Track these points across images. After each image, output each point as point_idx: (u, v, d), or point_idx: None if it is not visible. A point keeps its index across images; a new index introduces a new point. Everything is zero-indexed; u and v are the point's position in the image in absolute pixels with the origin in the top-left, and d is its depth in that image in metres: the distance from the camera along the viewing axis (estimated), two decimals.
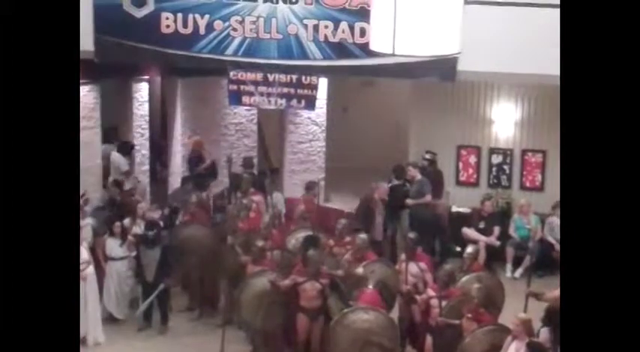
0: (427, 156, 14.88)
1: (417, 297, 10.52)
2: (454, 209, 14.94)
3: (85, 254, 11.77)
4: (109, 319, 12.40)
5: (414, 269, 10.85)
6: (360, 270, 10.47)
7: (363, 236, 11.58)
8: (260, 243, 11.60)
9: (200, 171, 15.61)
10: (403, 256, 11.34)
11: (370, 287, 10.37)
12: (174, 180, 16.43)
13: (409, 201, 13.96)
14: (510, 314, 9.67)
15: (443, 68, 11.52)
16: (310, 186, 14.35)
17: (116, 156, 14.89)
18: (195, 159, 15.91)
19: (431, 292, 10.53)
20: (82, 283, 11.68)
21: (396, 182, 14.46)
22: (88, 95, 15.45)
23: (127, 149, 15.45)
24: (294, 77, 14.25)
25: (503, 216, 14.75)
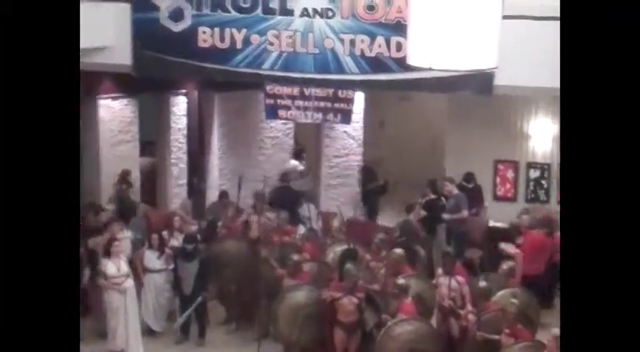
0: (464, 178, 14.84)
1: (460, 311, 10.52)
2: (491, 224, 14.87)
3: (124, 266, 11.86)
4: (147, 331, 12.46)
5: (452, 283, 10.82)
6: (401, 281, 10.43)
7: (399, 250, 11.56)
8: (295, 257, 11.61)
9: (369, 188, 15.85)
10: (440, 270, 11.30)
11: (410, 298, 10.35)
12: (212, 194, 16.49)
13: (446, 216, 13.92)
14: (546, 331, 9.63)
15: (480, 82, 11.48)
16: None
17: None
18: (365, 174, 16.08)
19: (469, 307, 10.51)
20: (121, 296, 11.77)
21: (431, 196, 14.42)
22: (125, 109, 15.63)
23: None
24: (331, 91, 14.31)
25: None
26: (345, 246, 12.24)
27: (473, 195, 14.50)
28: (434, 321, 11.06)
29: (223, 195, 15.09)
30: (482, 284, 10.69)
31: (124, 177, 15.50)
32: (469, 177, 14.77)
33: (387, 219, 15.97)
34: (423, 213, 14.17)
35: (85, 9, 12.17)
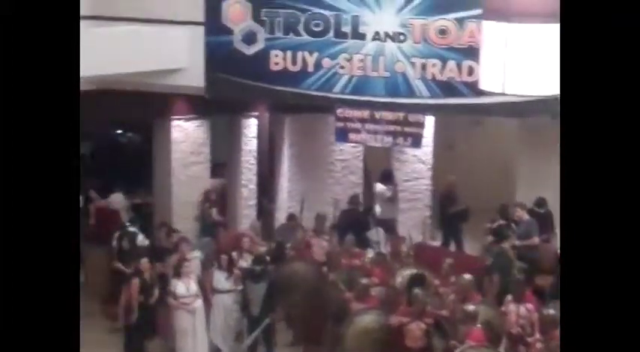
0: (536, 203, 14.66)
1: (529, 339, 10.38)
2: None
3: (193, 287, 11.95)
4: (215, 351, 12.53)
5: (521, 310, 10.69)
6: (470, 307, 10.33)
7: (468, 276, 11.45)
8: (364, 280, 11.58)
9: (451, 213, 15.65)
10: (510, 297, 11.17)
11: (478, 325, 10.24)
12: (281, 216, 16.56)
13: (516, 242, 13.75)
14: None
15: (553, 107, 11.33)
16: None
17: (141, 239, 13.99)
18: (445, 199, 15.99)
19: (538, 334, 10.37)
20: (190, 316, 11.86)
21: (500, 222, 14.27)
22: (197, 130, 15.80)
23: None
24: (401, 115, 14.29)
25: None
26: (413, 271, 12.18)
27: (544, 220, 14.31)
28: (502, 349, 10.93)
29: (291, 217, 15.14)
30: (551, 311, 10.53)
31: (208, 196, 15.71)
32: (541, 202, 14.59)
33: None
34: (491, 238, 14.03)
35: (159, 31, 12.46)
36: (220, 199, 16.96)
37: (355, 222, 14.99)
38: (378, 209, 16.22)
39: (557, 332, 10.18)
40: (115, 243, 13.83)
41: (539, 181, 14.97)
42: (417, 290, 10.69)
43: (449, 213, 15.61)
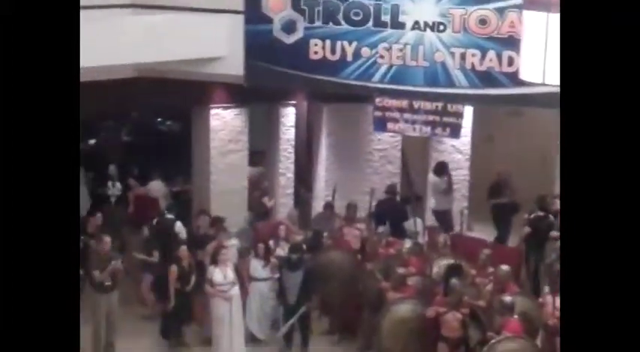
0: None
1: None
2: None
3: (230, 274, 12.02)
4: (250, 339, 12.59)
5: (558, 302, 10.63)
6: (508, 298, 10.30)
7: (505, 267, 11.41)
8: (400, 270, 11.57)
9: (498, 202, 15.56)
10: (547, 289, 11.12)
11: (515, 316, 10.21)
12: (318, 204, 16.58)
13: (555, 234, 13.66)
14: None
15: None
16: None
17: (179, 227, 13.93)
18: (496, 187, 15.90)
19: None
20: (226, 303, 11.93)
21: (539, 213, 14.19)
22: (236, 119, 15.85)
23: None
24: (440, 105, 14.21)
25: None
26: (450, 261, 12.16)
27: None
28: (539, 340, 10.89)
29: (328, 205, 15.15)
30: None
31: (257, 185, 15.79)
32: None
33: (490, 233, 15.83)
34: (528, 229, 13.97)
35: (199, 20, 12.52)
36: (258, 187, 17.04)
37: (392, 211, 14.96)
38: (432, 201, 16.14)
39: None
40: (146, 230, 13.89)
41: None
42: (454, 281, 10.68)
43: (493, 204, 15.49)
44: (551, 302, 10.69)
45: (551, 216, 13.99)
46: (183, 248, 12.45)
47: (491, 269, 11.80)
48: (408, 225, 14.18)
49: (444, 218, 15.93)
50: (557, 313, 10.58)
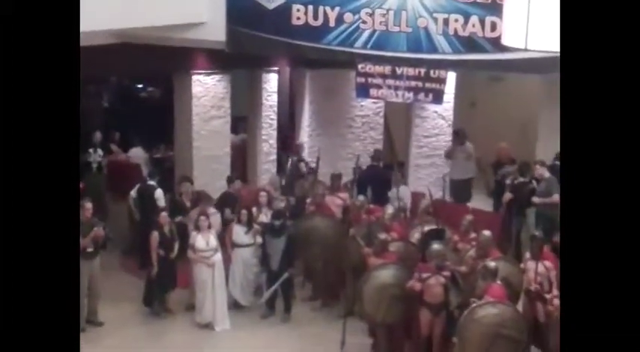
0: (557, 157, 14.58)
1: (547, 296, 10.41)
2: None
3: (212, 241, 12.04)
4: (233, 305, 12.62)
5: (540, 268, 10.69)
6: (491, 264, 10.34)
7: (487, 232, 11.45)
8: (382, 236, 11.59)
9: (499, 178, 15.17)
10: (528, 254, 11.18)
11: (498, 282, 10.26)
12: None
13: (536, 200, 13.72)
14: None
15: None
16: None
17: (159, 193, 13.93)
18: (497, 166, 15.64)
19: (555, 291, 10.39)
20: (209, 269, 11.96)
21: (521, 179, 14.23)
22: (218, 85, 15.79)
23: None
24: (423, 71, 14.18)
25: None
26: (432, 227, 12.20)
27: None
28: (520, 306, 10.96)
29: (311, 171, 15.15)
30: None
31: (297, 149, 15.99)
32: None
33: (474, 201, 15.86)
34: (510, 195, 14.01)
35: None
36: (241, 154, 17.02)
37: (377, 178, 14.96)
38: (451, 170, 16.07)
39: None
40: (132, 196, 13.93)
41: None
42: (435, 246, 10.70)
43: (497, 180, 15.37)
44: (533, 268, 10.75)
45: (533, 182, 14.03)
46: (164, 214, 12.45)
47: (473, 235, 11.84)
48: (392, 192, 14.20)
49: (464, 186, 15.86)
50: (539, 278, 10.66)
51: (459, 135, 16.11)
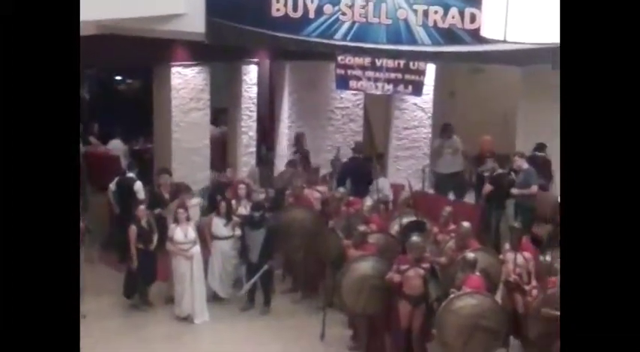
0: (536, 147, 14.65)
1: (525, 287, 10.46)
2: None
3: (191, 233, 12.01)
4: (213, 298, 12.61)
5: (519, 259, 10.73)
6: (470, 255, 10.37)
7: (466, 224, 11.49)
8: (361, 228, 11.60)
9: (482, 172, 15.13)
10: (507, 245, 11.22)
11: (477, 273, 10.29)
12: (280, 163, 16.57)
13: (515, 191, 13.78)
14: None
15: (554, 55, 11.31)
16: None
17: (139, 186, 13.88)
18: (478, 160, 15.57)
19: (534, 282, 10.45)
20: (187, 262, 11.94)
21: (500, 171, 14.29)
22: (197, 77, 15.74)
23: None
24: (402, 62, 14.23)
25: None
26: (412, 218, 12.22)
27: (542, 167, 14.32)
28: (499, 296, 11.00)
29: (291, 163, 15.14)
30: (547, 258, 10.59)
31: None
32: (541, 146, 14.60)
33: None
34: (489, 187, 14.06)
35: None
36: (220, 146, 16.98)
37: (359, 170, 14.95)
38: (439, 164, 16.06)
39: (553, 280, 10.25)
40: (111, 189, 13.88)
41: (539, 130, 14.95)
42: (414, 237, 10.72)
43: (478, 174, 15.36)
44: (512, 259, 10.79)
45: (512, 173, 14.09)
46: (141, 207, 12.41)
47: (452, 226, 11.87)
48: (375, 184, 14.21)
49: (455, 180, 15.82)
50: (518, 269, 10.69)
51: (446, 130, 16.11)
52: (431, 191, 15.78)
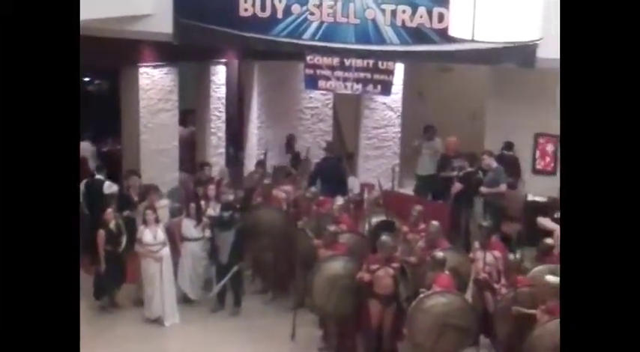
0: (505, 146, 14.71)
1: (495, 286, 10.50)
2: (530, 198, 14.75)
3: (160, 235, 11.95)
4: (183, 299, 12.56)
5: (488, 257, 10.77)
6: (439, 254, 10.39)
7: (436, 223, 11.51)
8: (332, 227, 11.59)
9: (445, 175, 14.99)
10: (477, 244, 11.25)
11: (447, 271, 10.32)
12: (250, 163, 16.53)
13: (484, 190, 13.83)
14: None
15: (522, 55, 11.35)
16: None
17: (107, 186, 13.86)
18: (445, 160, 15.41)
19: (504, 280, 10.50)
20: (157, 263, 11.88)
21: (469, 169, 14.33)
22: (165, 77, 15.66)
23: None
24: (371, 62, 14.21)
25: None
26: (382, 218, 12.22)
27: (510, 165, 14.39)
28: (469, 295, 11.04)
29: (260, 164, 15.11)
30: (512, 257, 10.64)
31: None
32: (509, 145, 14.67)
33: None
34: (459, 186, 14.11)
35: None
36: (189, 147, 16.91)
37: (332, 169, 14.93)
38: (421, 166, 16.00)
39: (519, 279, 10.30)
40: (81, 190, 13.77)
41: (507, 128, 15.03)
42: (384, 237, 10.73)
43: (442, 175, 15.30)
44: (482, 258, 10.83)
45: (480, 172, 14.14)
46: (109, 210, 12.34)
47: (422, 226, 11.89)
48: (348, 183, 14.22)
49: (430, 182, 15.73)
50: (488, 268, 10.73)
51: (428, 131, 16.11)
52: (402, 190, 15.80)
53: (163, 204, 13.11)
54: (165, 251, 12.01)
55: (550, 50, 10.58)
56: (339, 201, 12.63)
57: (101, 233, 12.02)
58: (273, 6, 12.29)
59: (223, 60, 16.63)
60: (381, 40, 12.16)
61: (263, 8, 12.31)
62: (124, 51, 14.73)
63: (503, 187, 13.83)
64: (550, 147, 15.27)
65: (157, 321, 12.09)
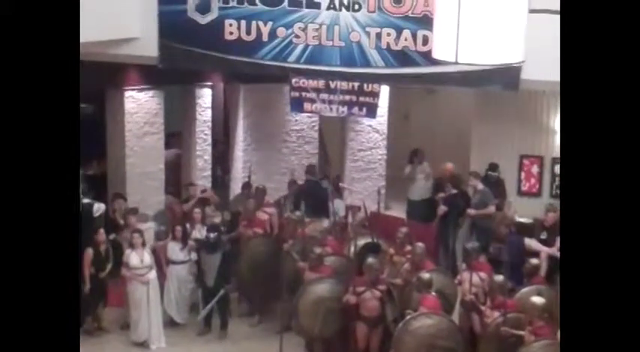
0: (489, 167, 14.73)
1: (482, 307, 10.50)
2: (516, 219, 14.77)
3: (147, 258, 11.93)
4: (169, 323, 12.51)
5: (474, 278, 10.78)
6: (425, 275, 10.40)
7: (421, 245, 11.53)
8: (317, 250, 11.60)
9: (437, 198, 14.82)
10: (464, 266, 11.27)
11: (433, 293, 10.32)
12: (236, 186, 16.52)
13: (471, 212, 13.85)
14: None
15: (506, 77, 11.42)
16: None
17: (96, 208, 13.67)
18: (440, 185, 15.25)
19: (489, 302, 10.50)
20: (143, 287, 11.84)
21: (452, 191, 14.35)
22: (151, 101, 15.65)
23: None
24: (356, 85, 14.22)
25: None
26: (368, 240, 12.23)
27: (496, 187, 14.41)
28: (456, 317, 11.04)
29: (246, 186, 15.10)
30: (498, 278, 10.65)
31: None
32: (494, 166, 14.70)
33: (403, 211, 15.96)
34: (444, 208, 14.12)
35: (112, 0, 12.28)
36: (175, 170, 16.88)
37: (314, 192, 14.93)
38: (412, 191, 15.97)
39: (505, 300, 10.31)
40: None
41: (493, 150, 15.07)
42: (370, 259, 10.73)
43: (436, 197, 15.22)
44: (468, 279, 10.84)
45: (466, 194, 14.17)
46: (101, 231, 12.31)
47: (408, 248, 11.89)
48: (332, 206, 14.20)
49: (425, 206, 15.67)
50: (474, 289, 10.74)
51: (417, 155, 16.11)
52: (388, 212, 15.81)
53: (146, 227, 13.08)
54: (152, 274, 11.99)
55: (533, 72, 10.67)
56: (325, 223, 12.64)
57: (89, 252, 11.97)
58: (259, 29, 12.36)
59: (209, 83, 16.64)
60: (366, 63, 12.24)
61: (248, 31, 12.38)
62: (109, 74, 14.73)
63: (491, 209, 13.85)
64: (535, 169, 15.31)
65: (143, 345, 12.04)
